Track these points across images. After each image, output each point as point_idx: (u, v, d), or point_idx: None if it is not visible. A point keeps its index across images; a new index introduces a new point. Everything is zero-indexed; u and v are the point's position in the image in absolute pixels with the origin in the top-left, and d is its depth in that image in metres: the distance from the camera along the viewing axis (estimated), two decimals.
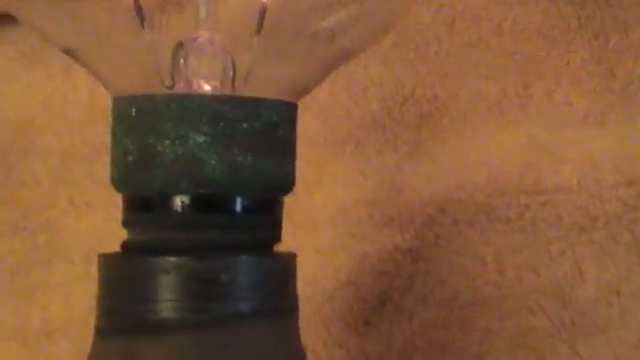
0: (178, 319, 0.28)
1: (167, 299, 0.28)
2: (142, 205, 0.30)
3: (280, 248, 0.31)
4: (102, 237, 0.47)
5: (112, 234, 0.47)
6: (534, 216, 0.45)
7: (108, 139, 0.47)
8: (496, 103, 0.46)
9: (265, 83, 0.31)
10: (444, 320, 0.45)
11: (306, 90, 0.32)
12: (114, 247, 0.46)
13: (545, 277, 0.45)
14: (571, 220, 0.45)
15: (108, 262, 0.30)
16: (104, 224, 0.47)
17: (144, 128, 0.29)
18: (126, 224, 0.30)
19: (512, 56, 0.46)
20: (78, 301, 0.47)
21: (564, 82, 0.46)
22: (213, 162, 0.28)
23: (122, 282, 0.29)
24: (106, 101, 0.48)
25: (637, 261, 0.44)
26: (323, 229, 0.47)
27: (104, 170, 0.47)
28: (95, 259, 0.46)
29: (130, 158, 0.29)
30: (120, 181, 0.30)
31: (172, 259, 0.28)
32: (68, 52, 0.32)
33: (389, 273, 0.46)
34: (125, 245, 0.30)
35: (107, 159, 0.47)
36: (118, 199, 0.47)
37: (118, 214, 0.47)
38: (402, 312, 0.46)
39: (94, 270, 0.47)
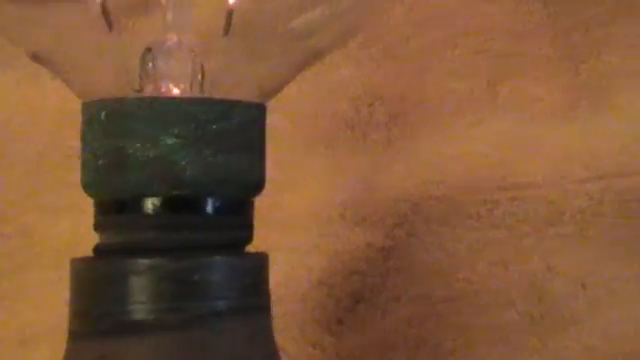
0: (153, 320, 0.28)
1: (141, 300, 0.28)
2: (114, 208, 0.30)
3: (253, 249, 0.32)
4: (75, 242, 0.47)
5: (85, 239, 0.47)
6: (504, 212, 0.46)
7: (77, 144, 0.48)
8: (465, 101, 0.47)
9: (234, 85, 0.31)
10: (417, 317, 0.46)
11: (275, 91, 0.32)
12: (87, 252, 0.46)
13: (515, 272, 0.46)
14: (539, 215, 0.46)
15: (81, 266, 0.30)
16: (77, 229, 0.47)
17: (114, 131, 0.29)
18: (98, 228, 0.30)
19: (480, 54, 0.47)
20: (52, 307, 0.47)
21: (530, 79, 0.47)
22: (184, 163, 0.29)
23: (95, 285, 0.29)
24: (76, 106, 0.48)
25: (603, 255, 0.45)
26: (295, 229, 0.47)
27: (76, 175, 0.48)
28: (66, 264, 0.46)
29: (101, 162, 0.29)
30: (91, 185, 0.30)
31: (145, 260, 0.29)
32: (36, 57, 0.32)
33: (362, 272, 0.46)
34: (97, 248, 0.30)
35: (76, 164, 0.47)
36: (88, 204, 0.47)
37: (88, 219, 0.47)
38: (375, 310, 0.46)
39: (66, 276, 0.47)
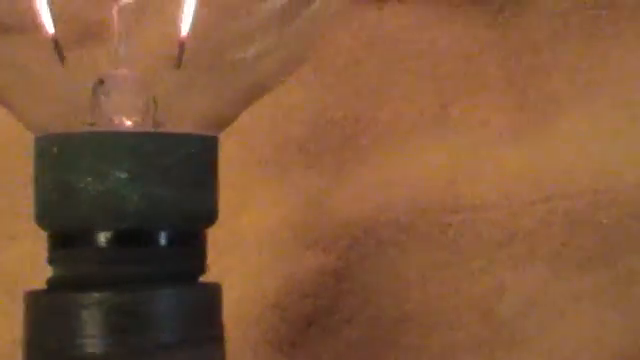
0: (103, 354, 0.28)
1: (90, 334, 0.29)
2: (64, 242, 0.30)
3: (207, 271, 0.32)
4: (26, 271, 0.47)
5: (36, 267, 0.47)
6: (455, 233, 0.46)
7: (31, 171, 0.48)
8: (415, 123, 0.47)
9: (186, 116, 0.32)
10: (369, 339, 0.46)
11: (227, 122, 0.33)
12: (38, 280, 0.46)
13: (466, 293, 0.46)
14: (490, 236, 0.46)
15: (33, 299, 0.30)
16: (27, 257, 0.47)
17: (65, 166, 0.29)
18: (51, 261, 0.31)
19: (429, 77, 0.47)
20: (1, 336, 0.46)
21: (480, 101, 0.47)
22: (135, 197, 0.29)
23: (47, 319, 0.29)
24: (28, 133, 0.48)
25: (553, 275, 0.46)
26: (248, 252, 0.47)
27: (27, 202, 0.47)
28: (19, 293, 0.46)
29: (52, 196, 0.29)
30: (43, 218, 0.30)
31: (94, 294, 0.29)
32: None
33: (314, 294, 0.47)
34: (50, 282, 0.31)
35: (30, 191, 0.47)
36: (42, 232, 0.47)
37: (42, 247, 0.47)
38: (328, 333, 0.46)
39: (17, 305, 0.47)
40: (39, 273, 0.46)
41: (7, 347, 0.45)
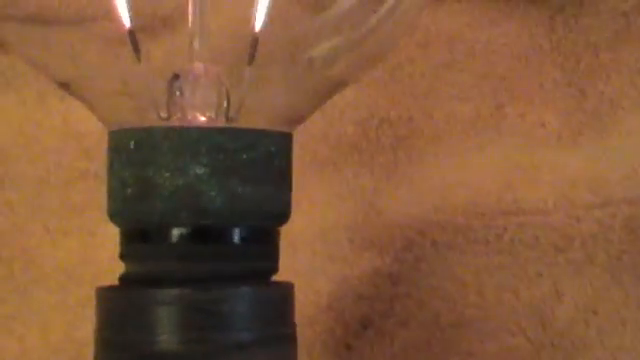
0: (180, 351, 0.28)
1: (168, 331, 0.28)
2: (141, 237, 0.30)
3: None
4: (78, 265, 0.47)
5: (88, 261, 0.47)
6: (512, 237, 0.46)
7: (83, 165, 0.47)
8: (471, 124, 0.47)
9: (258, 113, 0.31)
10: (425, 343, 0.45)
11: (301, 119, 0.32)
12: (91, 275, 0.46)
13: (524, 298, 0.45)
14: (548, 241, 0.46)
15: (107, 295, 0.30)
16: (80, 251, 0.47)
17: (143, 161, 0.29)
18: (124, 257, 0.30)
19: (485, 77, 0.47)
20: (55, 331, 0.46)
21: (537, 103, 0.47)
22: (213, 193, 0.28)
23: (122, 315, 0.29)
24: (80, 127, 0.48)
25: (613, 281, 0.45)
26: (302, 253, 0.47)
27: (79, 196, 0.47)
28: (72, 289, 0.46)
29: (129, 191, 0.29)
30: (118, 214, 0.30)
31: (173, 291, 0.28)
32: (64, 86, 0.32)
33: (370, 297, 0.46)
34: (124, 278, 0.30)
35: (83, 185, 0.47)
36: (94, 226, 0.46)
37: (94, 241, 0.47)
38: (383, 336, 0.46)
39: (71, 299, 0.47)
40: (92, 269, 0.46)
41: (61, 343, 0.45)
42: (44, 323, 0.47)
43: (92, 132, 0.46)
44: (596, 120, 0.46)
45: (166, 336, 0.28)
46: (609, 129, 0.46)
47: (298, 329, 0.46)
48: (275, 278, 0.32)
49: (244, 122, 0.30)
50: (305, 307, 0.46)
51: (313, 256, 0.46)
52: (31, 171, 0.48)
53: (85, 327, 0.44)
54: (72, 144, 0.47)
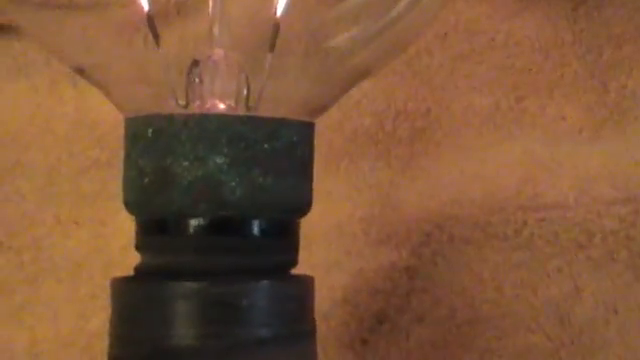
0: (198, 345, 0.27)
1: (185, 325, 0.27)
2: (158, 228, 0.29)
3: None
4: (89, 255, 0.46)
5: (99, 251, 0.46)
6: (531, 233, 0.45)
7: (95, 154, 0.47)
8: (490, 117, 0.46)
9: (279, 102, 0.30)
10: (441, 339, 0.45)
11: (322, 109, 0.31)
12: (102, 266, 0.45)
13: (543, 295, 0.45)
14: (568, 237, 0.45)
15: (122, 287, 0.29)
16: (91, 241, 0.46)
17: (161, 149, 0.28)
18: (140, 248, 0.29)
19: (505, 69, 0.46)
20: (66, 321, 0.45)
21: (558, 96, 0.46)
22: (233, 184, 0.28)
23: (138, 308, 0.28)
24: (92, 115, 0.47)
25: (634, 278, 0.44)
26: (317, 246, 0.46)
27: (91, 186, 0.47)
28: (83, 280, 0.45)
29: (146, 180, 0.28)
30: (134, 203, 0.29)
31: (191, 284, 0.27)
32: (80, 71, 0.31)
33: (386, 291, 0.45)
34: (139, 269, 0.29)
35: (94, 174, 0.46)
36: (105, 216, 0.46)
37: (106, 232, 0.46)
38: (399, 331, 0.45)
39: (82, 289, 0.46)
40: (103, 259, 0.45)
41: (72, 334, 0.45)
42: (54, 314, 0.46)
43: (104, 120, 0.45)
44: (618, 114, 0.46)
45: (182, 330, 0.27)
46: (631, 123, 0.45)
47: None
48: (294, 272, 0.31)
49: (264, 111, 0.30)
50: (320, 301, 0.45)
51: (328, 249, 0.46)
52: (42, 160, 0.47)
53: (96, 318, 0.43)
54: (84, 132, 0.47)
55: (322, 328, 0.45)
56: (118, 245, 0.44)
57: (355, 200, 0.46)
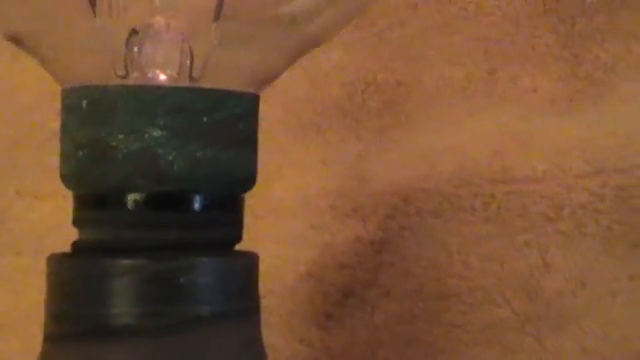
0: (134, 324, 0.26)
1: (122, 303, 0.27)
2: (94, 203, 0.28)
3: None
4: (51, 229, 0.45)
5: (62, 226, 0.45)
6: (499, 206, 0.44)
7: (57, 125, 0.46)
8: (461, 89, 0.45)
9: (224, 72, 0.29)
10: (408, 314, 0.44)
11: (268, 80, 0.30)
12: (64, 239, 0.45)
13: (510, 268, 0.44)
14: (537, 210, 0.44)
15: (58, 263, 0.28)
16: (53, 215, 0.46)
17: (96, 121, 0.27)
18: (77, 223, 0.28)
19: (477, 41, 0.45)
20: (27, 296, 0.45)
21: (530, 67, 0.45)
22: (171, 158, 0.27)
23: (73, 285, 0.27)
24: (55, 86, 0.46)
25: (602, 251, 0.44)
26: (283, 220, 0.45)
27: (54, 158, 0.46)
28: (46, 253, 0.44)
29: (81, 153, 0.27)
30: (70, 177, 0.28)
31: (127, 261, 0.27)
32: (14, 39, 0.30)
33: (352, 265, 0.45)
34: (76, 245, 0.28)
35: (56, 146, 0.46)
36: (68, 191, 0.45)
37: (68, 205, 0.45)
38: (365, 305, 0.44)
39: (42, 263, 0.45)
40: (65, 233, 0.45)
41: (35, 307, 0.44)
42: (15, 288, 0.45)
43: None
44: (590, 86, 0.45)
45: (120, 309, 0.26)
46: (604, 95, 0.45)
47: (277, 297, 0.44)
48: (256, 243, 0.30)
49: (209, 82, 0.29)
50: (285, 275, 0.45)
51: (294, 223, 0.45)
52: (3, 131, 0.46)
53: None
54: (46, 103, 0.46)
55: (287, 302, 0.45)
56: None
57: (322, 173, 0.45)
